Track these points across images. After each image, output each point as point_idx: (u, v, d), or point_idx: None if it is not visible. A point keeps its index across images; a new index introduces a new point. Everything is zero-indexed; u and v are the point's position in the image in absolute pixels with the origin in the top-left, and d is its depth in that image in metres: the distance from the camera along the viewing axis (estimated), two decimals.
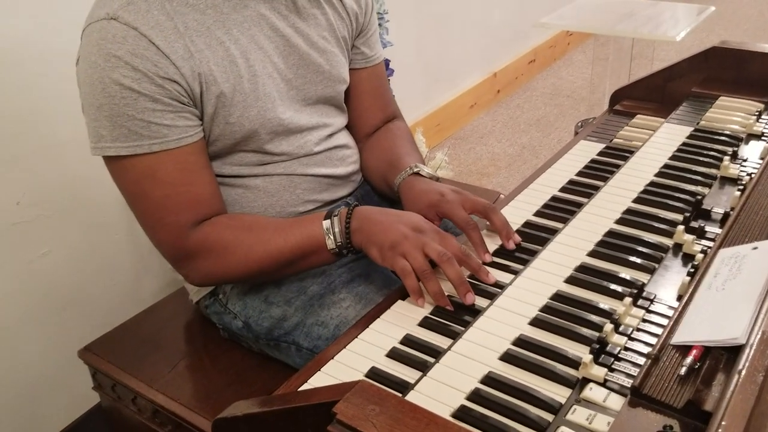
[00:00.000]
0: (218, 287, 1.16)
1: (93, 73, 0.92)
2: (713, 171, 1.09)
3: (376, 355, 0.81)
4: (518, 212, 1.07)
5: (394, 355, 0.80)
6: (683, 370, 0.66)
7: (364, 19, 1.21)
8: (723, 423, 0.52)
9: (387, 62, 1.83)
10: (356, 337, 0.86)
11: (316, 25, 1.12)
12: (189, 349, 1.22)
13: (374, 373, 0.78)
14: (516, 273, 0.91)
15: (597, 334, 0.76)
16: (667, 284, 0.85)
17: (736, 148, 1.13)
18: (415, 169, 1.12)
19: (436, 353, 0.78)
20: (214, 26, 0.99)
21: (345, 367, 0.81)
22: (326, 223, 0.96)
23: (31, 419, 1.46)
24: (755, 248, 0.79)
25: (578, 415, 0.66)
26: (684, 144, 1.20)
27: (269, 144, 1.08)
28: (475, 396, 0.70)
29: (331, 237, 0.96)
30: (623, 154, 1.21)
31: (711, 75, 1.41)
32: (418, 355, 0.79)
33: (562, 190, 1.13)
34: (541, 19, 1.92)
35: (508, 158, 2.54)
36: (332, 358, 0.83)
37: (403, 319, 0.87)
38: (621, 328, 0.76)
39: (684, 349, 0.68)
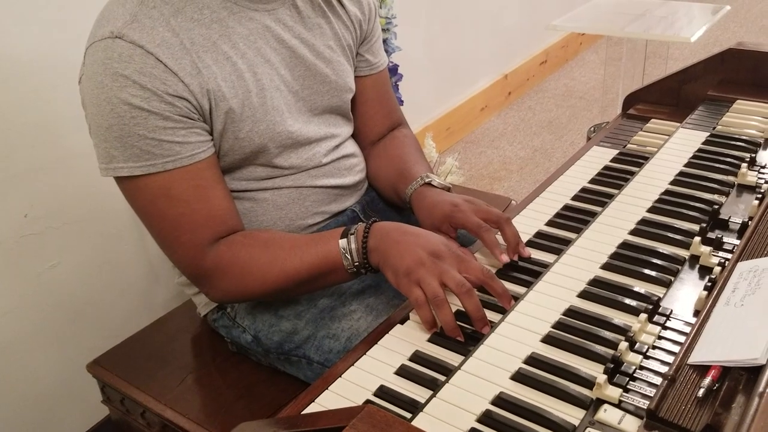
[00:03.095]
0: None
1: (100, 94, 0.91)
2: (730, 178, 1.07)
3: (385, 373, 0.80)
4: (530, 221, 1.05)
5: (403, 372, 0.79)
6: (701, 392, 0.63)
7: (367, 26, 1.20)
8: None
9: (396, 67, 1.82)
10: (364, 353, 0.84)
11: (321, 34, 1.10)
12: (197, 362, 1.21)
13: (383, 392, 0.76)
14: (528, 286, 0.89)
15: (611, 351, 0.74)
16: (683, 298, 0.82)
17: (753, 154, 1.11)
18: (427, 180, 1.10)
19: (447, 371, 0.76)
20: (220, 41, 0.98)
21: (353, 385, 0.79)
22: (343, 242, 0.95)
23: (40, 429, 1.46)
24: None
25: None
26: (700, 150, 1.17)
27: (278, 158, 1.06)
28: (486, 418, 0.68)
29: (348, 256, 0.94)
30: (637, 160, 1.19)
31: (727, 77, 1.38)
32: (428, 372, 0.77)
33: (575, 198, 1.11)
34: (553, 22, 1.89)
35: (519, 161, 2.52)
36: (340, 375, 0.81)
37: (412, 335, 0.85)
38: (636, 346, 0.74)
39: (702, 370, 0.66)
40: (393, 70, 1.82)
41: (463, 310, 0.84)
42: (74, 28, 1.36)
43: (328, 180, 1.14)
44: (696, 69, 1.40)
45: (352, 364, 0.82)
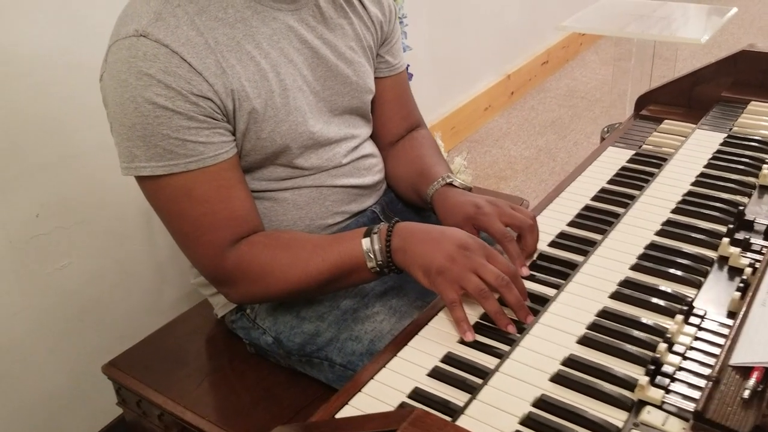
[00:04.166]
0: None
1: (124, 92, 0.90)
2: (751, 179, 1.07)
3: (418, 375, 0.79)
4: (552, 222, 1.05)
5: (436, 374, 0.78)
6: (746, 393, 0.63)
7: (388, 27, 1.19)
8: None
9: (406, 66, 1.81)
10: (395, 355, 0.83)
11: (343, 35, 1.10)
12: (215, 364, 1.20)
13: (418, 395, 0.76)
14: (558, 287, 0.89)
15: (648, 353, 0.74)
16: (715, 300, 0.82)
17: None
18: (448, 180, 1.10)
19: (483, 373, 0.76)
20: (243, 40, 0.97)
21: (386, 387, 0.78)
22: (366, 242, 0.94)
23: (49, 430, 1.45)
24: None
25: None
26: (718, 151, 1.17)
27: (299, 158, 1.06)
28: (529, 421, 0.68)
29: (372, 255, 0.93)
30: (654, 161, 1.19)
31: (739, 79, 1.38)
32: (462, 375, 0.77)
33: (595, 198, 1.11)
34: (562, 23, 1.89)
35: (525, 161, 2.52)
36: (372, 377, 0.80)
37: (442, 336, 0.85)
38: (674, 347, 0.74)
39: (744, 371, 0.66)
40: (406, 72, 1.81)
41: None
42: (82, 23, 1.35)
43: (347, 180, 1.13)
44: (708, 71, 1.41)
45: (384, 366, 0.82)
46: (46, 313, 1.41)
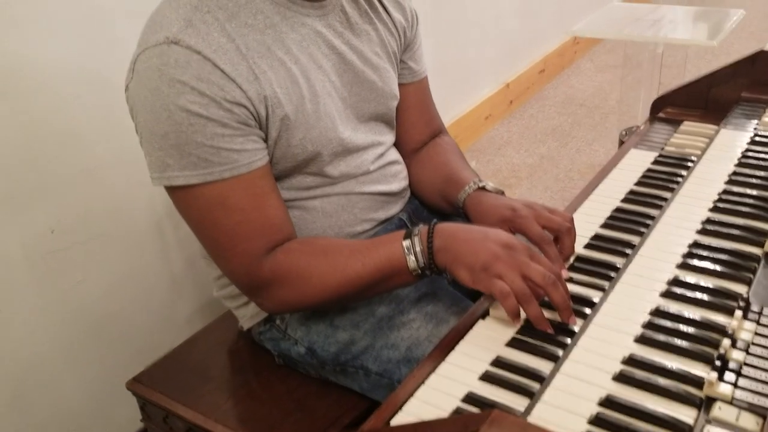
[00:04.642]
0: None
1: (156, 101, 0.88)
2: None
3: (469, 379, 0.78)
4: (584, 225, 1.04)
5: (488, 378, 0.77)
6: None
7: (411, 33, 1.19)
8: None
9: None
10: (443, 360, 0.82)
11: (368, 41, 1.09)
12: (242, 378, 1.18)
13: (472, 399, 0.74)
14: (602, 289, 0.88)
15: (709, 350, 0.73)
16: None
17: None
18: (480, 184, 1.09)
19: (539, 377, 0.75)
20: (273, 46, 0.96)
21: (437, 392, 0.77)
22: (406, 243, 0.92)
23: None
24: None
25: None
26: (747, 150, 1.17)
27: (329, 166, 1.04)
28: (598, 420, 0.67)
29: (413, 257, 0.92)
30: (680, 162, 1.19)
31: (757, 79, 1.39)
32: (517, 378, 0.75)
33: (625, 200, 1.10)
34: (573, 27, 1.90)
35: (528, 169, 2.52)
36: (422, 383, 0.79)
37: (488, 341, 0.83)
38: (738, 344, 0.73)
39: None
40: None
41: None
42: (102, 36, 1.33)
43: (375, 187, 1.12)
44: (725, 72, 1.41)
45: (432, 371, 0.80)
46: (63, 330, 1.38)
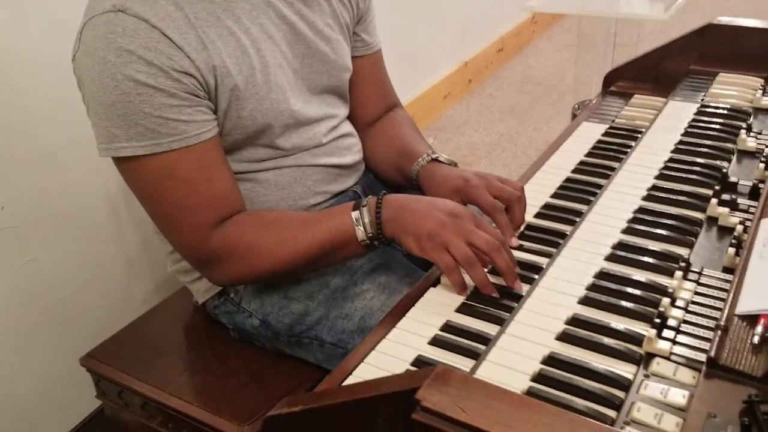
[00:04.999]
0: (229, 287, 1.11)
1: (103, 70, 0.87)
2: (729, 145, 1.10)
3: (419, 344, 0.79)
4: (535, 195, 1.06)
5: (437, 342, 0.78)
6: (756, 339, 0.65)
7: (364, 4, 1.18)
8: None
9: None
10: (394, 326, 0.83)
11: (320, 12, 1.08)
12: (197, 352, 1.17)
13: (421, 362, 0.75)
14: (550, 256, 0.89)
15: (650, 309, 0.75)
16: (709, 257, 0.84)
17: (749, 122, 1.14)
18: (434, 156, 1.10)
19: (485, 339, 0.76)
20: (223, 15, 0.95)
21: (388, 357, 0.78)
22: (355, 214, 0.93)
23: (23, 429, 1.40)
24: None
25: (651, 390, 0.65)
26: (694, 120, 1.20)
27: (280, 138, 1.04)
28: (541, 377, 0.68)
29: (362, 228, 0.92)
30: (629, 133, 1.21)
31: (706, 52, 1.41)
32: (464, 342, 0.77)
33: (575, 171, 1.12)
34: (528, 2, 1.91)
35: (486, 147, 2.54)
36: (372, 349, 0.80)
37: (439, 307, 0.85)
38: (677, 302, 0.75)
39: (751, 319, 0.67)
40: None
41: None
42: (46, 17, 1.30)
43: (328, 159, 1.12)
44: (675, 45, 1.43)
45: (383, 337, 0.81)
46: (14, 310, 1.35)
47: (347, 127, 1.19)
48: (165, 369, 1.13)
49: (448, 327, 0.80)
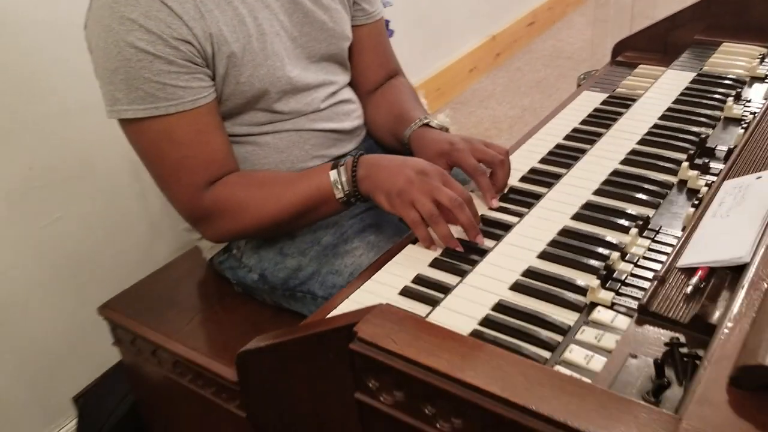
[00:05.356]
0: (232, 243, 1.18)
1: (107, 37, 0.94)
2: (717, 113, 1.11)
3: (390, 294, 0.84)
4: (524, 160, 1.09)
5: (406, 293, 0.83)
6: (689, 289, 0.68)
7: None
8: (728, 325, 0.55)
9: (387, 22, 1.84)
10: (369, 278, 0.88)
11: None
12: (204, 304, 1.25)
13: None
14: (521, 215, 0.93)
15: (599, 262, 0.79)
16: (672, 217, 0.87)
17: (739, 90, 1.15)
18: (425, 121, 1.13)
19: (446, 289, 0.81)
20: None
21: (358, 305, 0.82)
22: (333, 174, 0.98)
23: (52, 381, 1.50)
24: (759, 177, 0.81)
25: (587, 334, 0.69)
26: (687, 89, 1.21)
27: (278, 103, 1.09)
28: (487, 322, 0.73)
29: (339, 186, 0.98)
30: (626, 102, 1.23)
31: (713, 23, 1.42)
32: (428, 291, 0.82)
33: (567, 138, 1.15)
34: None
35: (509, 120, 2.55)
36: (347, 298, 0.85)
37: (414, 262, 0.89)
38: (627, 257, 0.79)
39: (690, 271, 0.71)
40: (384, 23, 1.84)
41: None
42: None
43: (326, 124, 1.17)
44: (683, 15, 1.44)
45: (358, 288, 0.87)
46: (42, 265, 1.45)
47: (347, 93, 1.23)
48: (174, 319, 1.21)
49: (418, 279, 0.85)
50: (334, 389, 0.69)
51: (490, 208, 0.97)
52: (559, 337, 0.70)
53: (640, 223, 0.83)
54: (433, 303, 0.79)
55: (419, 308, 0.79)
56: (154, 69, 0.94)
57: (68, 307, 1.49)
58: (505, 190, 1.02)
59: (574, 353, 0.67)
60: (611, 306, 0.73)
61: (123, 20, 0.93)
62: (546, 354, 0.68)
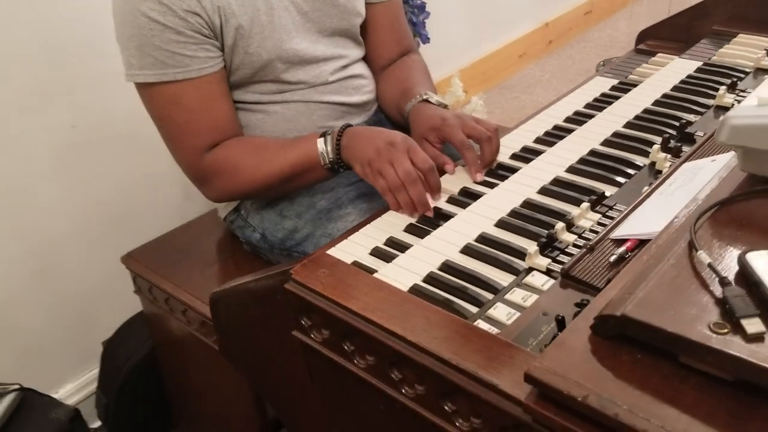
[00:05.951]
0: (240, 204, 1.27)
1: (124, 6, 1.03)
2: (709, 101, 1.12)
3: (360, 252, 0.89)
4: (519, 139, 1.13)
5: (375, 253, 0.88)
6: (613, 258, 0.72)
7: None
8: (610, 284, 0.59)
9: (423, 4, 1.89)
10: (346, 239, 0.94)
11: None
12: (217, 259, 1.34)
13: (357, 264, 0.86)
14: (493, 187, 0.98)
15: (544, 231, 0.83)
16: (632, 195, 0.90)
17: (735, 80, 1.15)
18: (425, 96, 1.18)
19: (404, 248, 0.86)
20: None
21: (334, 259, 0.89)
22: (320, 141, 1.05)
23: (85, 325, 1.62)
24: (713, 161, 0.83)
25: (515, 295, 0.74)
26: (689, 77, 1.22)
27: (286, 73, 1.16)
28: (429, 278, 0.78)
29: (325, 155, 1.05)
30: (629, 88, 1.24)
31: (736, 13, 1.41)
32: (390, 251, 0.87)
33: (566, 120, 1.18)
34: None
35: None
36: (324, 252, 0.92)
37: (391, 226, 0.95)
38: (573, 228, 0.83)
39: (620, 242, 0.74)
40: (421, 7, 1.89)
41: None
42: None
43: (334, 97, 1.23)
44: (706, 5, 1.44)
45: (334, 246, 0.93)
46: (82, 215, 1.57)
47: (360, 68, 1.29)
48: (186, 271, 1.31)
49: (389, 241, 0.91)
50: (283, 328, 0.77)
51: (474, 182, 1.02)
52: (489, 296, 0.74)
53: (594, 198, 0.87)
54: (387, 258, 0.84)
55: (376, 263, 0.84)
56: (164, 38, 1.03)
57: (102, 257, 1.61)
58: (493, 166, 1.06)
59: (498, 310, 0.71)
60: (548, 272, 0.77)
61: None
62: (474, 309, 0.73)
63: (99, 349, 1.58)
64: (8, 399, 1.12)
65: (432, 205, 0.95)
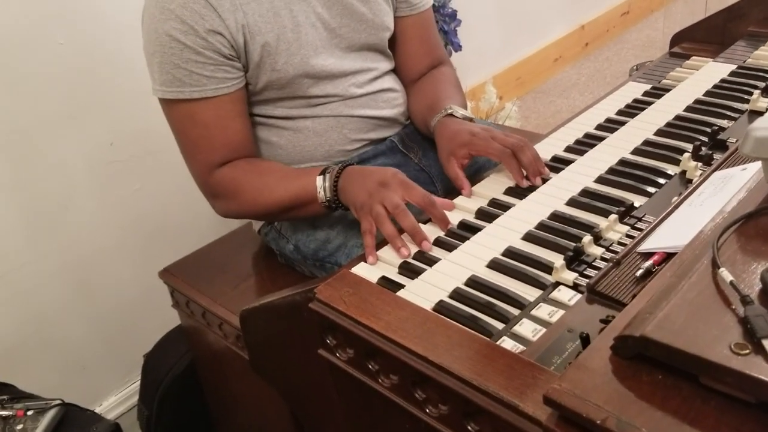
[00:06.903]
0: None
1: (150, 23, 1.06)
2: (744, 105, 1.10)
3: (388, 269, 0.89)
4: (550, 148, 1.12)
5: (402, 267, 0.88)
6: (640, 272, 0.71)
7: None
8: (632, 304, 0.58)
9: (454, 12, 1.89)
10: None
11: None
12: (251, 272, 1.36)
13: (385, 280, 0.86)
14: (522, 198, 0.97)
15: (571, 244, 0.82)
16: (663, 206, 0.88)
17: None
18: (449, 110, 1.17)
19: (432, 262, 0.87)
20: None
21: (361, 278, 0.89)
22: (319, 179, 1.07)
23: (126, 338, 1.66)
24: (744, 169, 0.81)
25: (542, 311, 0.73)
26: (723, 80, 1.20)
27: (313, 88, 1.18)
28: (455, 294, 0.78)
29: (322, 192, 1.06)
30: (663, 93, 1.23)
31: None
32: (417, 264, 0.87)
33: (597, 127, 1.16)
34: None
35: None
36: (350, 270, 0.92)
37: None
38: (601, 241, 0.82)
39: (648, 255, 0.73)
40: (452, 15, 1.89)
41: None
42: None
43: (364, 110, 1.24)
44: (741, 6, 1.40)
45: (362, 262, 0.93)
46: (120, 231, 1.61)
47: (390, 81, 1.30)
48: (221, 285, 1.33)
49: (416, 255, 0.91)
50: (310, 345, 0.78)
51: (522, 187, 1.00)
52: (516, 311, 0.74)
53: (622, 209, 0.86)
54: (413, 274, 0.85)
55: (402, 279, 0.85)
56: (184, 57, 1.06)
57: (141, 271, 1.65)
58: (545, 174, 1.02)
59: (524, 326, 0.71)
60: (575, 287, 0.76)
61: (163, 9, 1.05)
62: (499, 326, 0.72)
63: (140, 361, 1.61)
64: (50, 414, 1.16)
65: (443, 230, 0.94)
